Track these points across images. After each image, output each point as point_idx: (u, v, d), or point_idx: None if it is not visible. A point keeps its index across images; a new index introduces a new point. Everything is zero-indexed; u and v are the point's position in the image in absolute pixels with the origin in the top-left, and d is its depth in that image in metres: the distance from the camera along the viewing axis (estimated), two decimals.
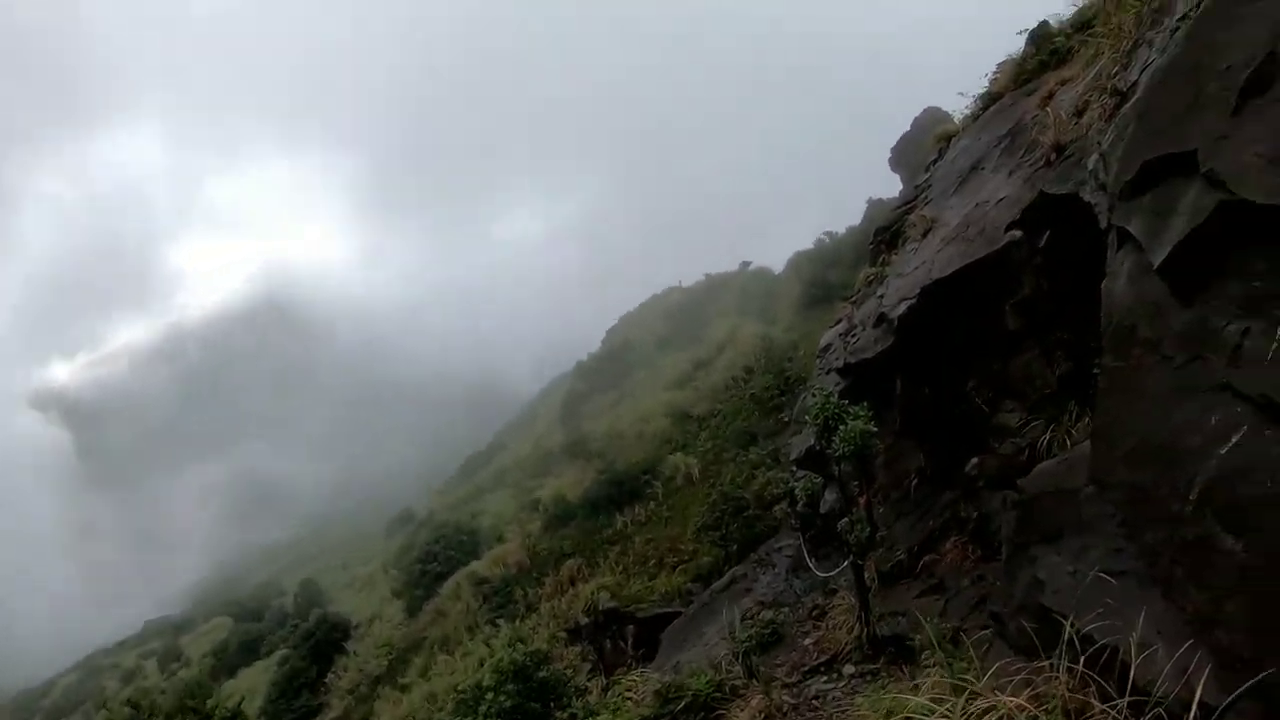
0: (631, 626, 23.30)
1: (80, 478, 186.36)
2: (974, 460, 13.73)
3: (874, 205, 51.80)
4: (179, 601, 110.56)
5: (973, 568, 12.90)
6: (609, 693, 22.23)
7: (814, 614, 15.21)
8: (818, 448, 12.26)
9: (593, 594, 26.97)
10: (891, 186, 52.45)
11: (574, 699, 15.32)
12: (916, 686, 7.84)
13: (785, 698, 11.57)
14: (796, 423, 19.68)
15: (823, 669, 12.40)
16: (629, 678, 15.89)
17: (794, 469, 18.28)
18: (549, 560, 34.34)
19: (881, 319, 15.49)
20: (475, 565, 40.51)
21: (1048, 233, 11.97)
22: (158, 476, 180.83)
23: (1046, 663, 6.33)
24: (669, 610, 22.76)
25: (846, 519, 12.87)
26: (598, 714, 14.19)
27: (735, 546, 23.48)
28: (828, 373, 17.83)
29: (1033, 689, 5.97)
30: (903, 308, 14.70)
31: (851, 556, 12.26)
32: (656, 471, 35.95)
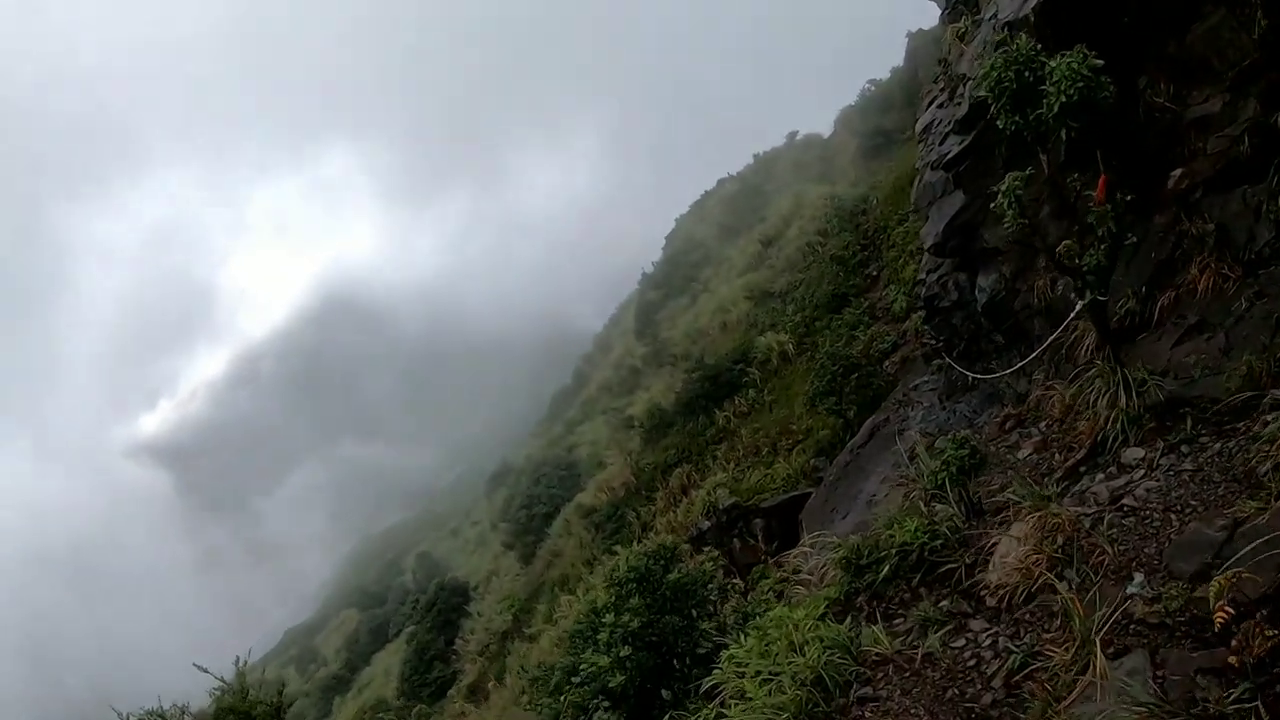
0: (759, 520, 20.52)
1: (188, 514, 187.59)
2: (1177, 171, 9.88)
3: (915, 38, 46.49)
4: (312, 604, 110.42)
5: (1237, 290, 8.95)
6: (751, 593, 19.25)
7: (1007, 426, 11.28)
8: (1009, 130, 8.22)
9: (709, 495, 23.88)
10: (927, 15, 47.42)
11: (719, 601, 11.55)
12: None
13: (1071, 509, 7.54)
14: (915, 211, 15.67)
15: (1083, 469, 8.45)
16: (791, 558, 11.95)
17: (931, 263, 14.34)
18: (655, 474, 31.44)
19: (1008, 30, 11.49)
20: (580, 497, 37.75)
21: None
22: (261, 494, 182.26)
23: None
24: (797, 493, 19.96)
25: (1066, 242, 8.79)
26: (759, 611, 10.58)
27: (854, 410, 20.75)
28: (941, 141, 13.83)
29: None
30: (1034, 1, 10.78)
31: (1088, 293, 8.27)
32: (749, 358, 32.31)
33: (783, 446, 24.42)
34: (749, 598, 18.75)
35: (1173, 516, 6.85)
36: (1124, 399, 8.38)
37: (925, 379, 17.99)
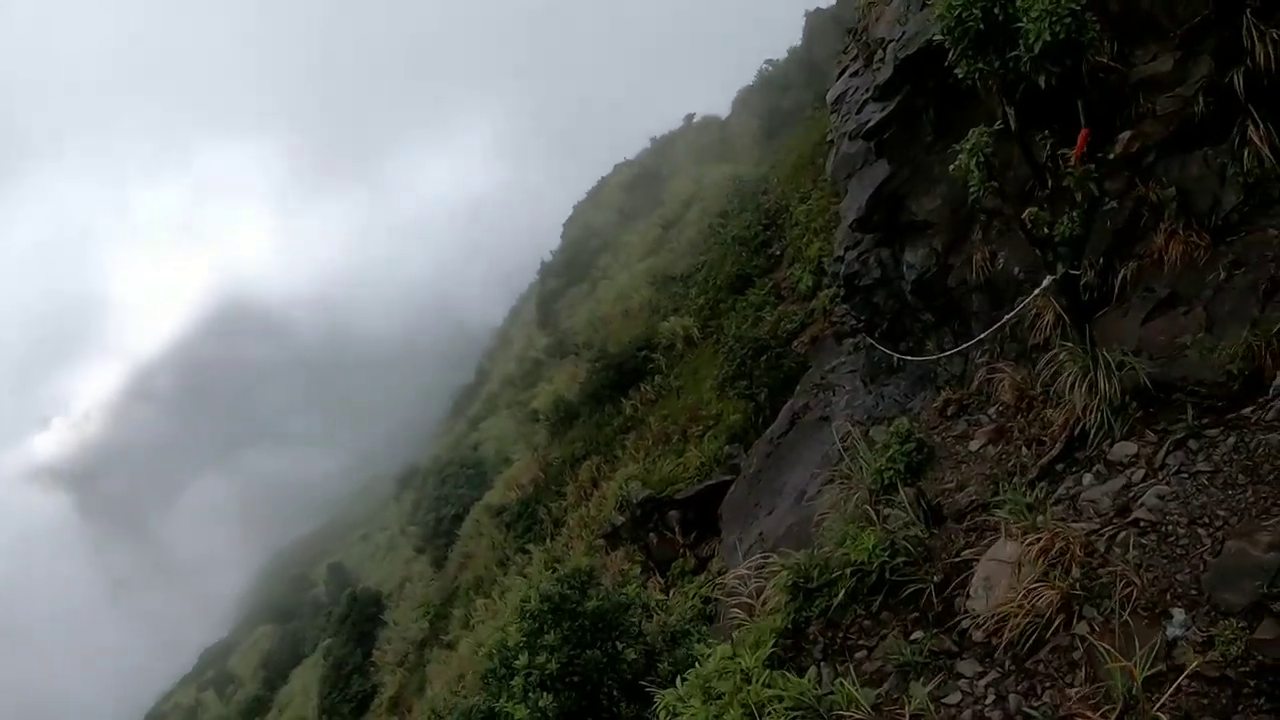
0: (674, 512, 20.17)
1: (92, 538, 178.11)
2: (1126, 134, 8.93)
3: (814, 17, 46.14)
4: (229, 623, 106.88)
5: (1210, 259, 7.98)
6: (674, 591, 18.38)
7: (948, 412, 10.28)
8: (970, 81, 7.03)
9: (621, 488, 23.11)
10: None
11: (644, 621, 10.22)
12: None
13: (1074, 524, 6.35)
14: (833, 181, 14.59)
15: (1060, 467, 7.36)
16: (727, 579, 10.63)
17: (850, 239, 13.25)
18: (564, 468, 30.58)
19: None
20: (489, 496, 36.29)
21: None
22: (165, 511, 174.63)
23: None
24: (713, 482, 19.27)
25: (1033, 209, 7.62)
26: (686, 628, 9.37)
27: (765, 393, 20.19)
28: (859, 110, 12.75)
29: None
30: None
31: (1059, 265, 7.16)
32: (653, 344, 31.51)
33: (693, 433, 23.62)
34: (671, 596, 17.83)
35: (1201, 532, 5.72)
36: (1104, 384, 7.35)
37: (843, 360, 17.11)
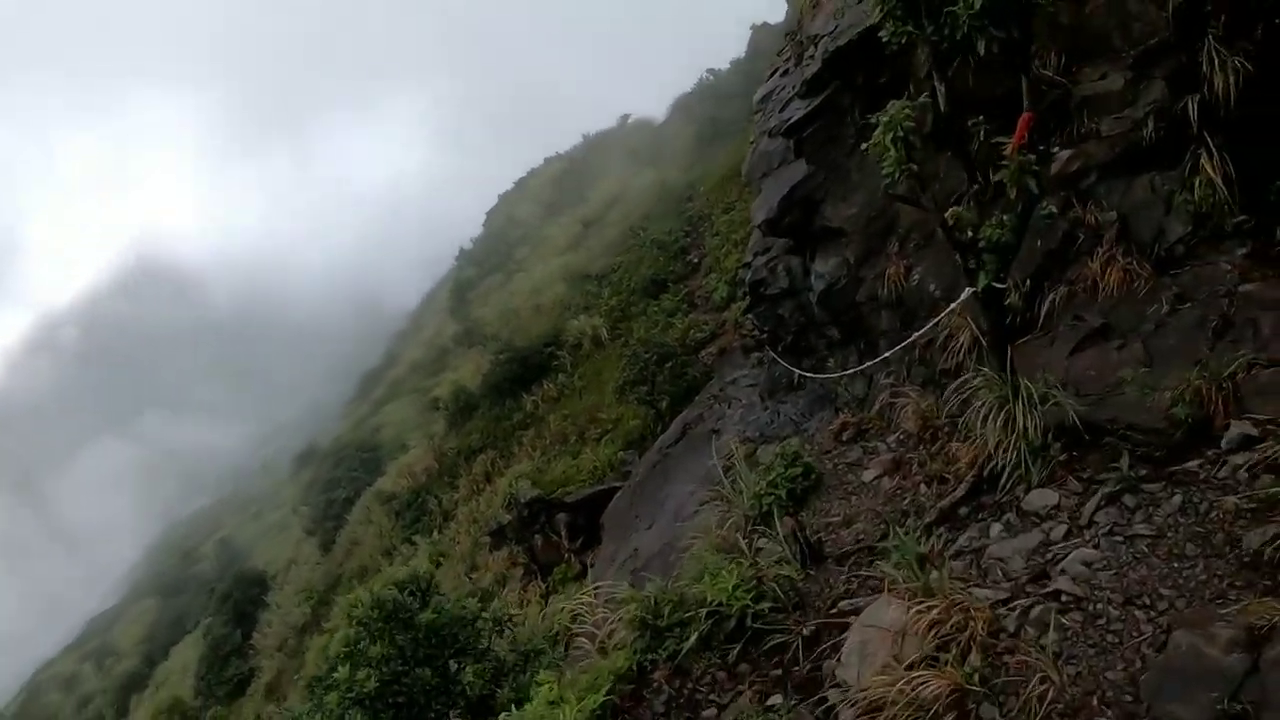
0: (562, 515, 19.59)
1: None
2: (1065, 153, 8.22)
3: (760, 31, 45.72)
4: (119, 592, 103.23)
5: (1150, 291, 7.07)
6: (550, 599, 17.61)
7: (844, 436, 9.23)
8: (897, 43, 5.86)
9: (511, 486, 22.54)
10: (774, 10, 46.39)
11: (493, 639, 8.99)
12: None
13: (976, 590, 5.14)
14: (748, 180, 13.55)
15: (964, 511, 6.27)
16: (574, 598, 9.46)
17: (761, 244, 12.26)
18: (459, 460, 29.94)
19: None
20: (381, 482, 35.33)
21: None
22: (59, 472, 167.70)
23: None
24: (603, 488, 18.64)
25: (957, 209, 6.46)
26: (540, 655, 8.22)
27: (666, 401, 19.65)
28: (783, 108, 11.74)
29: None
30: None
31: (981, 276, 6.02)
32: (560, 341, 30.62)
33: (591, 436, 23.18)
34: (549, 603, 16.89)
35: (1140, 615, 4.54)
36: (1023, 418, 6.26)
37: (744, 373, 16.32)
